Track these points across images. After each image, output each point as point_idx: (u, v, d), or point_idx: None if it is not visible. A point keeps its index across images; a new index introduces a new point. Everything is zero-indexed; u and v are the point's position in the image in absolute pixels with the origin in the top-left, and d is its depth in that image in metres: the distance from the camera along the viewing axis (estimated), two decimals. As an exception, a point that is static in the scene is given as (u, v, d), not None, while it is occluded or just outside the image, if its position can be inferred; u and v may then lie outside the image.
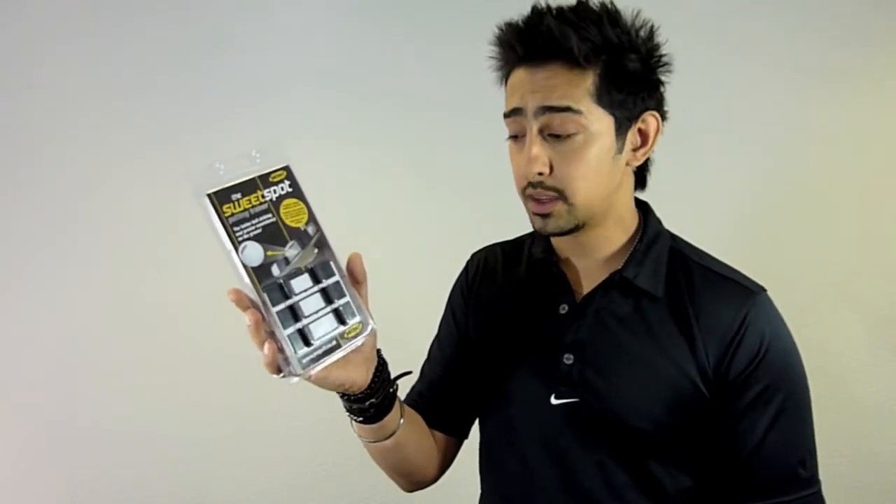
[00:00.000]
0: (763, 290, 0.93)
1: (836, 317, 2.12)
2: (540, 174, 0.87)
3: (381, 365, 0.86)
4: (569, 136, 0.86)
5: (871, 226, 2.11)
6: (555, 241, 1.01)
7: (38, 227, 2.16)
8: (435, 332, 1.16)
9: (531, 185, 0.89)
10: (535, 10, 0.88)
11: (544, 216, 0.90)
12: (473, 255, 1.15)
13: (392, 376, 0.89)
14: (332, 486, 2.20)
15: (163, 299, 2.17)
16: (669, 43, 0.93)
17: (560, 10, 0.87)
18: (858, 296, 2.12)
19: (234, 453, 2.20)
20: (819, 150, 2.12)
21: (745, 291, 0.92)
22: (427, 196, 2.18)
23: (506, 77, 0.93)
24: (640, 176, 0.99)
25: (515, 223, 1.12)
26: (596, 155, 0.88)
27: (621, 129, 0.90)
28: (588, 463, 0.92)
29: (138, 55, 2.15)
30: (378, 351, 0.84)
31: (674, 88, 0.97)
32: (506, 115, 0.91)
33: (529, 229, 1.08)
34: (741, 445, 0.89)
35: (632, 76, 0.88)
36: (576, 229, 0.91)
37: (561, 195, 0.88)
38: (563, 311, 0.97)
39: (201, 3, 2.17)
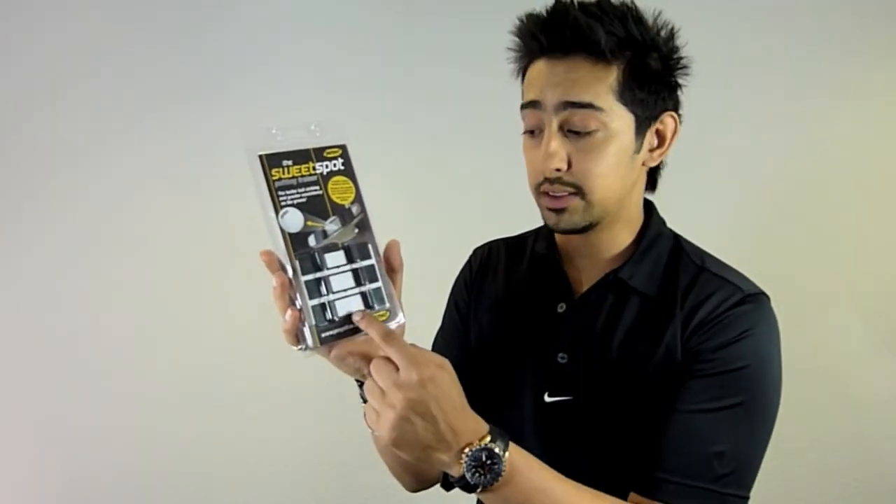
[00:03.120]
0: (763, 294, 0.90)
1: (836, 317, 2.12)
2: (558, 170, 0.87)
3: None
4: (589, 132, 0.86)
5: (872, 226, 2.11)
6: (560, 239, 1.01)
7: (34, 224, 2.17)
8: (434, 330, 1.16)
9: (548, 180, 0.88)
10: (561, 2, 0.87)
11: (559, 211, 0.89)
12: (476, 250, 1.16)
13: None
14: (333, 487, 2.20)
15: (165, 298, 2.19)
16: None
17: (584, 4, 0.86)
18: (858, 296, 2.11)
19: (234, 453, 2.20)
20: (819, 151, 2.12)
21: (739, 291, 0.89)
22: (430, 192, 2.18)
23: (524, 69, 0.93)
24: (651, 177, 0.99)
25: (518, 220, 1.12)
26: (615, 153, 0.87)
27: (641, 129, 0.89)
28: (581, 460, 0.91)
29: (141, 52, 2.17)
30: None
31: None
32: (523, 107, 0.91)
33: (533, 226, 1.09)
34: (670, 409, 0.85)
35: (653, 75, 0.88)
36: (588, 227, 0.91)
37: (578, 191, 0.88)
38: (560, 310, 0.97)
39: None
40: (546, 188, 0.89)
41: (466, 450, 0.71)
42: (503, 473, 0.72)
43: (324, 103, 2.18)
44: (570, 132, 0.87)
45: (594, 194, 0.88)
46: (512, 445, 0.75)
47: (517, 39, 0.93)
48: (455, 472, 0.72)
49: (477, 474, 0.71)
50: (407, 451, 0.71)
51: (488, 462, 0.71)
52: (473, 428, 0.73)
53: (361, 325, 0.71)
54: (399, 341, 0.70)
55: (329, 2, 2.23)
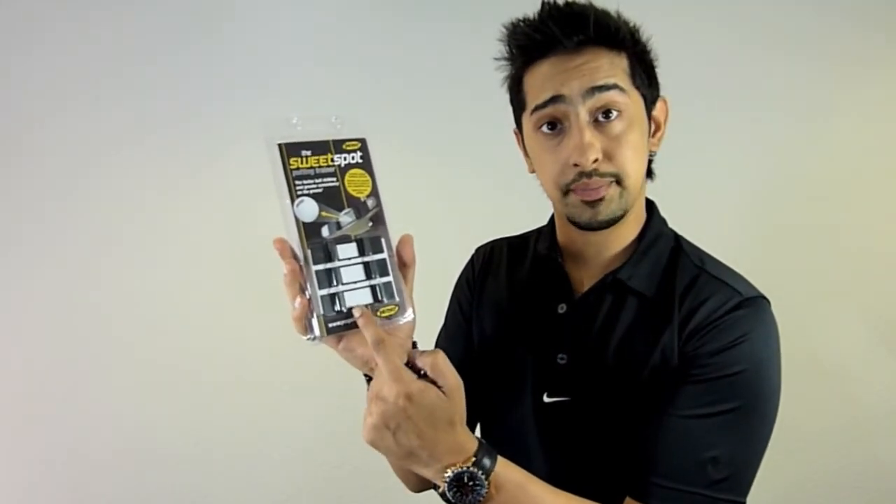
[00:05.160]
0: (762, 297, 0.90)
1: (837, 317, 2.15)
2: (595, 160, 0.85)
3: None
4: (614, 118, 0.86)
5: (872, 226, 2.13)
6: (563, 239, 1.01)
7: (43, 231, 2.18)
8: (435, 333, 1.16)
9: (584, 174, 0.86)
10: (552, 5, 0.88)
11: (595, 203, 0.88)
12: (479, 249, 1.16)
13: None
14: (334, 486, 2.23)
15: (164, 299, 2.19)
16: (675, 42, 0.98)
17: (570, 3, 0.88)
18: (859, 296, 2.13)
19: (235, 452, 2.23)
20: (819, 152, 2.14)
21: (736, 294, 0.88)
22: (431, 192, 2.20)
23: (518, 76, 0.93)
24: (648, 166, 0.99)
25: (520, 219, 1.14)
26: (638, 135, 0.89)
27: (647, 112, 0.91)
28: (579, 460, 0.92)
29: (131, 41, 2.17)
30: (414, 343, 0.83)
31: (676, 90, 1.00)
32: (538, 107, 0.89)
33: (535, 226, 1.10)
34: (665, 414, 0.85)
35: (650, 61, 0.92)
36: (621, 218, 0.90)
37: (616, 179, 0.87)
38: (561, 311, 0.97)
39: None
40: (581, 184, 0.87)
41: (448, 470, 0.72)
42: (485, 495, 0.73)
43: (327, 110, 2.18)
44: (597, 121, 0.87)
45: (629, 179, 0.88)
46: (501, 461, 0.75)
47: (511, 45, 0.93)
48: (439, 484, 0.74)
49: (458, 493, 0.72)
50: (386, 457, 0.74)
51: (470, 483, 0.72)
52: (459, 448, 0.73)
53: (360, 324, 0.71)
54: (387, 352, 0.70)
55: (331, 21, 2.24)
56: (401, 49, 2.23)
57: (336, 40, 2.24)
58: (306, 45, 2.24)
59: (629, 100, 0.87)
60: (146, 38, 2.20)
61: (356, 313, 0.71)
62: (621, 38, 0.87)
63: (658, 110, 0.95)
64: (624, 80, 0.87)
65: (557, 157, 0.89)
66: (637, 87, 0.89)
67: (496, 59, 0.95)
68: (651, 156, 0.97)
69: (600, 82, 0.85)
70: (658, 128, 0.96)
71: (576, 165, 0.86)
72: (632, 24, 0.91)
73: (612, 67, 0.87)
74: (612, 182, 0.87)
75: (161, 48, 2.20)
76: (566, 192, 0.89)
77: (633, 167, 0.88)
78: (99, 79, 2.18)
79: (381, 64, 2.23)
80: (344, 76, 2.22)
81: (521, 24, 0.91)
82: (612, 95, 0.86)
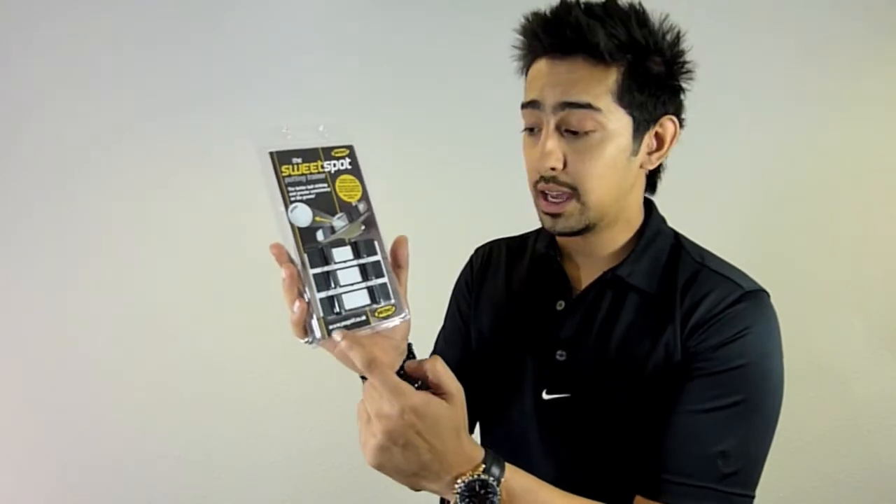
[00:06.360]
0: (763, 290, 0.90)
1: (837, 317, 2.15)
2: (553, 169, 0.87)
3: (410, 359, 0.85)
4: (586, 133, 0.86)
5: (872, 227, 2.13)
6: (560, 238, 1.02)
7: (39, 228, 2.18)
8: (433, 335, 1.17)
9: (543, 179, 0.89)
10: (564, 3, 0.87)
11: (555, 216, 0.90)
12: (478, 249, 1.17)
13: None
14: (332, 488, 2.23)
15: (162, 298, 2.20)
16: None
17: (590, 5, 0.86)
18: (859, 297, 2.14)
19: (235, 451, 2.23)
20: (819, 152, 2.14)
21: (738, 288, 0.89)
22: (430, 194, 2.20)
23: (527, 67, 0.94)
24: (651, 180, 1.00)
25: (519, 221, 1.14)
26: (611, 154, 0.88)
27: (639, 131, 0.89)
28: (580, 456, 0.92)
29: (129, 37, 2.18)
30: (409, 345, 0.84)
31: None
32: (523, 106, 0.91)
33: (532, 227, 1.10)
34: (672, 410, 0.85)
35: (654, 78, 0.88)
36: (585, 230, 0.91)
37: (574, 192, 0.88)
38: (559, 308, 0.98)
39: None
40: (542, 187, 0.90)
41: (459, 480, 0.70)
42: (497, 502, 0.71)
43: (325, 110, 2.18)
44: (568, 132, 0.87)
45: (590, 195, 0.88)
46: (510, 468, 0.75)
47: (521, 38, 0.93)
48: (450, 498, 0.72)
49: (472, 503, 0.71)
50: (392, 477, 0.71)
51: (482, 492, 0.70)
52: (467, 457, 0.71)
53: (343, 348, 0.69)
54: (381, 369, 0.68)
55: (331, 12, 2.24)
56: (401, 44, 2.23)
57: (336, 36, 2.23)
58: (306, 41, 2.24)
59: (605, 118, 0.86)
60: (142, 32, 2.20)
61: (337, 337, 0.70)
62: (605, 53, 0.84)
63: (664, 129, 0.92)
64: (603, 98, 0.85)
65: (531, 156, 0.91)
66: (624, 106, 0.87)
67: (513, 46, 0.95)
68: (661, 170, 0.98)
69: (572, 98, 0.86)
70: (660, 146, 0.94)
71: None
72: (665, 34, 0.88)
73: (591, 82, 0.85)
74: (570, 196, 0.89)
75: (159, 42, 2.20)
76: (535, 193, 0.93)
77: (594, 183, 0.88)
78: (93, 75, 2.19)
79: (381, 59, 2.23)
80: (344, 75, 2.22)
81: (532, 19, 0.91)
82: (581, 114, 0.85)
